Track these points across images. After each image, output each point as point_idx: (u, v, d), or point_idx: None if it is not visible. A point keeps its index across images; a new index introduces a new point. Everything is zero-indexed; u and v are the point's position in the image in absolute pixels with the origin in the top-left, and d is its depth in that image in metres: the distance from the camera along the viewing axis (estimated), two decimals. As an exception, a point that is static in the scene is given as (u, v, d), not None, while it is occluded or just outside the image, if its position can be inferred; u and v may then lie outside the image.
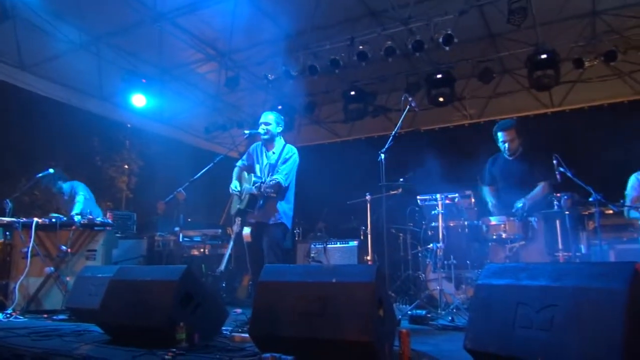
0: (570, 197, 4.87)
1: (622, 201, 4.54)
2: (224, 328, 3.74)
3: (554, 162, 4.46)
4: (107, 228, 5.54)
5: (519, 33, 7.15)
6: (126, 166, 9.74)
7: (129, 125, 9.42)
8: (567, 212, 4.82)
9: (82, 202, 5.91)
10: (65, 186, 6.17)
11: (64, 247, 5.16)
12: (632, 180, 4.54)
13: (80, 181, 6.47)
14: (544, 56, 7.18)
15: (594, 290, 2.11)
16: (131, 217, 7.61)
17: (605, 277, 2.11)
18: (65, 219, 5.34)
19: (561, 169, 4.44)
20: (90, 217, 5.40)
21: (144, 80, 8.17)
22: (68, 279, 5.08)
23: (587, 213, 5.25)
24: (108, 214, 6.72)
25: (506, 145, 4.91)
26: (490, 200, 5.16)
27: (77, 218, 5.30)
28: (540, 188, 4.78)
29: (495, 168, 5.12)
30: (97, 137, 8.99)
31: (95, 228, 5.42)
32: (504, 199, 4.98)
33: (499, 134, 4.94)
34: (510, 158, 4.98)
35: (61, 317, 4.70)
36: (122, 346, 3.11)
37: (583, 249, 5.37)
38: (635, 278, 2.02)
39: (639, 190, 4.45)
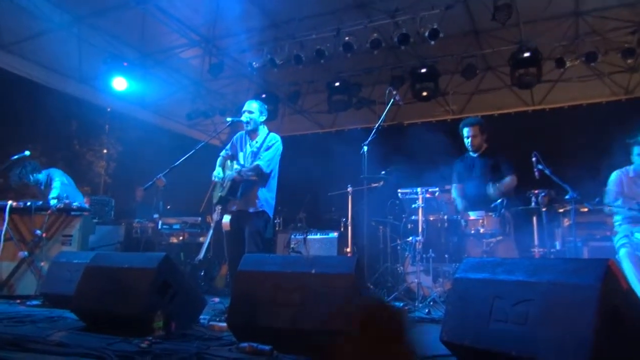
0: (547, 194, 4.96)
1: (597, 199, 4.63)
2: (201, 317, 3.73)
3: (533, 159, 4.54)
4: (84, 213, 5.45)
5: (503, 31, 7.22)
6: (105, 151, 9.58)
7: (108, 109, 9.24)
8: (543, 209, 4.92)
9: (59, 187, 5.77)
10: (41, 176, 5.89)
11: (38, 232, 5.07)
12: (614, 176, 4.59)
13: (57, 165, 6.32)
14: (526, 54, 7.27)
15: (568, 285, 2.15)
16: (109, 202, 7.50)
17: (579, 273, 2.16)
18: (40, 202, 5.23)
19: (539, 166, 4.52)
20: (67, 201, 5.30)
21: (125, 64, 8.00)
22: (42, 264, 4.99)
23: (562, 210, 5.36)
24: (85, 199, 6.61)
25: (469, 140, 5.06)
26: (458, 200, 5.26)
27: (53, 202, 5.21)
28: (509, 179, 4.89)
29: (461, 165, 5.28)
30: (76, 120, 8.80)
31: (72, 213, 5.33)
32: (471, 196, 5.09)
33: (464, 130, 5.11)
34: (475, 155, 5.10)
35: (34, 302, 4.63)
36: (97, 333, 3.07)
37: (558, 246, 5.50)
38: (608, 275, 2.07)
39: (620, 187, 4.52)
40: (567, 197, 4.54)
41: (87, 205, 5.66)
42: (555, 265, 2.36)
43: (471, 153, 5.18)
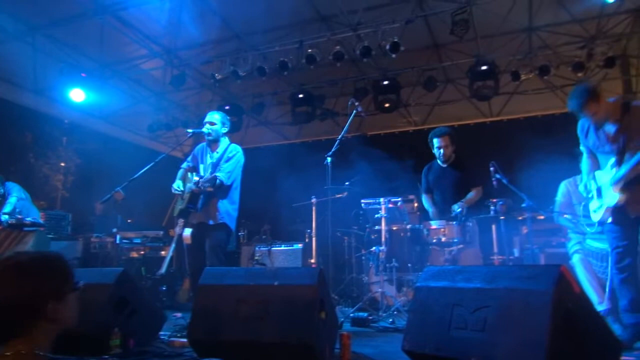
0: (505, 203, 5.10)
1: (551, 207, 4.81)
2: (162, 333, 3.63)
3: (491, 169, 4.67)
4: (39, 229, 5.25)
5: (461, 44, 7.43)
6: (62, 164, 9.28)
7: (66, 121, 8.97)
8: (502, 217, 5.06)
9: (14, 203, 5.56)
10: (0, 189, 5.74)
11: (-12, 249, 4.85)
12: (562, 187, 4.82)
13: (12, 179, 6.09)
14: (484, 67, 7.50)
15: (523, 291, 2.21)
16: (66, 217, 7.25)
17: (533, 279, 2.22)
18: (-9, 218, 5.02)
19: (497, 176, 4.65)
20: (19, 216, 5.10)
21: (83, 75, 7.80)
22: (-8, 282, 4.75)
23: (520, 218, 5.52)
24: (40, 214, 6.37)
25: (441, 151, 5.14)
26: (428, 207, 5.37)
27: (4, 217, 5.00)
28: (473, 193, 5.01)
29: (430, 175, 5.35)
30: (31, 132, 8.50)
31: (25, 229, 5.13)
32: (439, 204, 5.20)
33: (434, 140, 5.17)
34: (444, 165, 5.20)
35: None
36: (50, 354, 2.93)
37: (516, 253, 5.65)
38: (561, 280, 2.14)
39: (568, 197, 4.74)
40: (523, 205, 4.69)
41: (42, 221, 5.45)
42: (512, 272, 2.42)
43: (441, 163, 5.26)
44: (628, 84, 8.29)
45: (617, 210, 3.26)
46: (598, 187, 3.45)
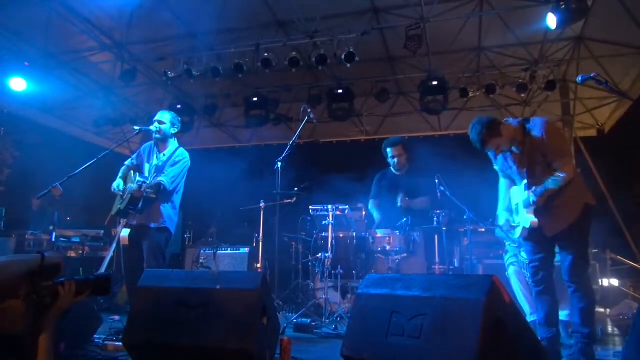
0: (447, 215, 5.28)
1: (490, 220, 5.01)
2: (96, 336, 3.51)
3: (436, 181, 4.83)
4: (-33, 223, 4.94)
5: (414, 59, 7.63)
6: (-2, 156, 8.77)
7: (5, 111, 8.50)
8: (444, 229, 5.23)
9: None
10: None
11: None
12: None
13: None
14: (434, 83, 7.72)
15: (457, 300, 2.30)
16: (-2, 212, 6.86)
17: (467, 288, 2.31)
18: None
19: (441, 188, 4.82)
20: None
21: (26, 63, 7.43)
22: None
23: (463, 230, 5.72)
24: (-30, 208, 6.00)
25: (395, 160, 5.28)
26: (376, 213, 5.47)
27: None
28: (420, 200, 5.17)
29: (383, 182, 5.46)
30: (-37, 121, 8.02)
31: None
32: (389, 212, 5.31)
33: (388, 150, 5.31)
34: (398, 173, 5.33)
35: None
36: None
37: (456, 263, 5.85)
38: (493, 289, 2.24)
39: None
40: (465, 217, 4.87)
41: (-30, 215, 5.12)
42: (448, 281, 2.51)
43: (395, 172, 5.37)
44: (566, 107, 8.78)
45: (532, 230, 3.34)
46: (516, 204, 3.56)
